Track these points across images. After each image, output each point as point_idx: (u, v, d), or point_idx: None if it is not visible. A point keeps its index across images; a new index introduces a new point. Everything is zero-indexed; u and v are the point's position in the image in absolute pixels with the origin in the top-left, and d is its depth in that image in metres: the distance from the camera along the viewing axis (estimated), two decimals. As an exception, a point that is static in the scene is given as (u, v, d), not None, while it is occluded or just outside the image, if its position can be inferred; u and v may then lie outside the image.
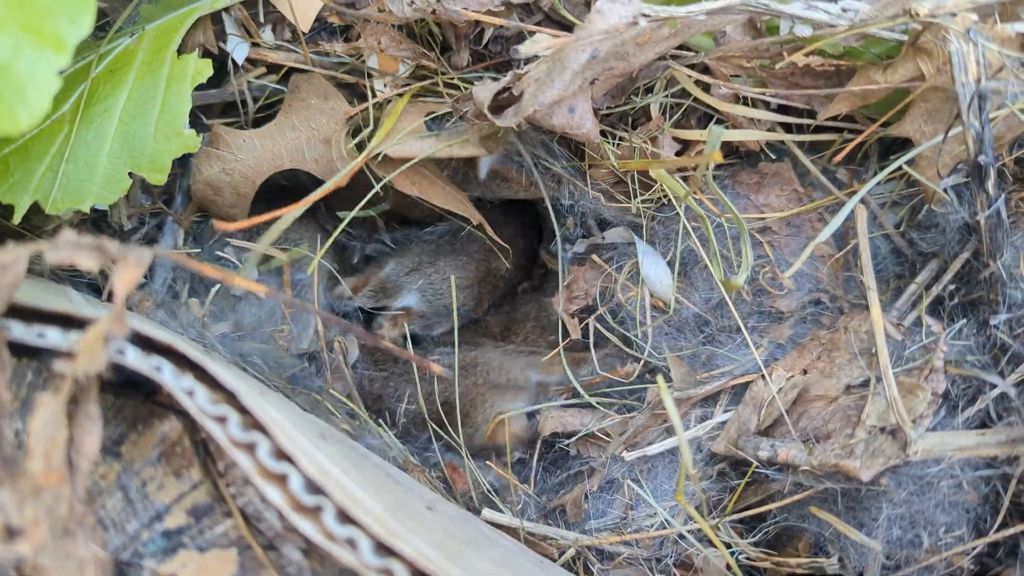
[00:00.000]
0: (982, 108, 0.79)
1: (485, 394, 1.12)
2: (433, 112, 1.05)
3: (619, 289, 1.05)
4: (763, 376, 0.95)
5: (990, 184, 0.82)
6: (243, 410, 0.65)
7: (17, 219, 0.91)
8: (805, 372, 0.95)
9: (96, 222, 1.09)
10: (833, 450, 0.85)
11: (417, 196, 1.06)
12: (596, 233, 1.11)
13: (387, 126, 1.02)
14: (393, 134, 1.02)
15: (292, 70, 1.09)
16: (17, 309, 0.67)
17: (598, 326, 1.06)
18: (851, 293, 1.00)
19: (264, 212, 1.11)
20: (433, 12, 0.97)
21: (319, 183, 1.03)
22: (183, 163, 1.11)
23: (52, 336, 0.66)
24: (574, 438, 1.04)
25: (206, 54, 1.05)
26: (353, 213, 1.07)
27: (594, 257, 1.09)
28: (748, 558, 0.97)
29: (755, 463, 0.91)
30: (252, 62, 1.11)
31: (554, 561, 0.98)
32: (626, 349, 1.06)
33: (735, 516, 0.96)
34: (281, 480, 0.63)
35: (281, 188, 1.13)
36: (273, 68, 1.11)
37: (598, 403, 1.06)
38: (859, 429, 0.86)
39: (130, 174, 0.95)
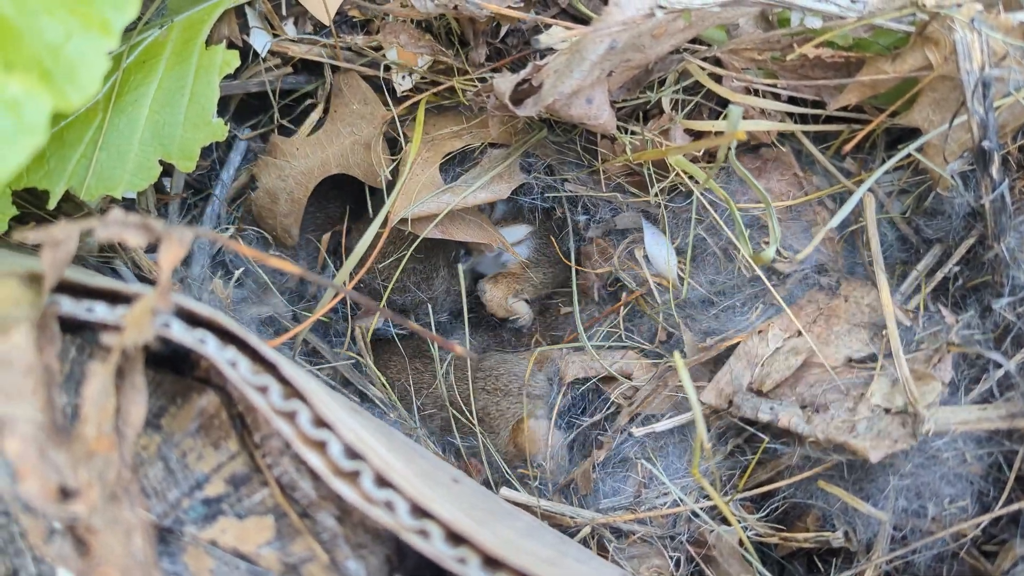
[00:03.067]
0: (986, 95, 0.82)
1: (500, 401, 1.14)
2: (448, 153, 1.10)
3: (621, 267, 1.09)
4: (758, 332, 0.97)
5: (994, 168, 0.85)
6: (283, 380, 0.68)
7: (52, 204, 0.94)
8: (800, 333, 0.97)
9: (124, 209, 1.12)
10: (834, 423, 0.88)
11: (441, 236, 1.11)
12: (608, 218, 1.14)
13: (401, 183, 1.09)
14: (409, 191, 1.08)
15: (316, 63, 1.13)
16: (66, 285, 0.70)
17: (624, 278, 1.09)
18: (854, 275, 1.02)
19: (315, 213, 1.19)
20: (455, 7, 1.00)
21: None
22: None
23: (100, 311, 0.69)
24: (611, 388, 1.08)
25: (231, 46, 1.08)
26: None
27: (598, 240, 1.12)
28: (757, 534, 1.00)
29: (756, 430, 0.94)
30: (274, 54, 1.14)
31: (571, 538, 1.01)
32: (651, 315, 1.09)
33: (746, 493, 0.99)
34: (321, 446, 0.66)
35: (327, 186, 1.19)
36: (293, 61, 1.15)
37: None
38: (861, 405, 0.89)
39: (160, 162, 0.98)
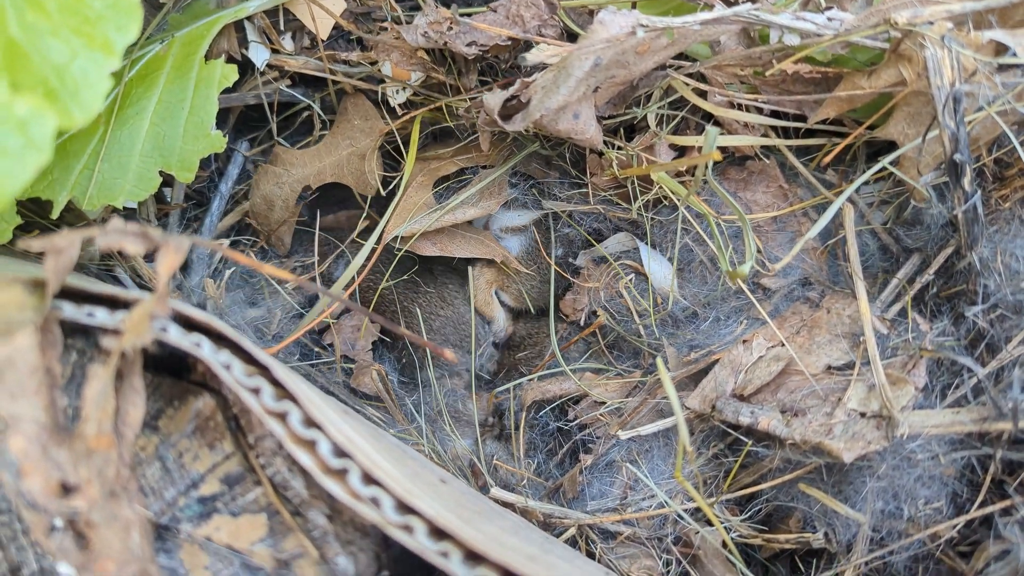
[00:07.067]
0: (957, 110, 0.85)
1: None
2: (444, 180, 1.15)
3: (623, 288, 1.11)
4: (743, 341, 1.00)
5: (966, 181, 0.88)
6: (275, 382, 0.71)
7: (56, 214, 0.97)
8: (783, 344, 1.00)
9: (125, 218, 1.15)
10: (812, 426, 0.91)
11: (439, 254, 1.15)
12: (595, 244, 1.17)
13: (395, 205, 1.13)
14: (404, 213, 1.13)
15: (314, 77, 1.16)
16: (68, 291, 0.73)
17: (606, 318, 1.13)
18: (837, 285, 1.05)
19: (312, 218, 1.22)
20: (445, 44, 1.03)
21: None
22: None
23: (100, 315, 0.71)
24: (579, 415, 1.11)
25: (230, 60, 1.12)
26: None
27: (584, 273, 1.15)
28: (741, 536, 1.02)
29: (738, 434, 0.97)
30: (272, 67, 1.18)
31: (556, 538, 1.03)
32: (631, 339, 1.11)
33: (729, 496, 1.02)
34: (310, 445, 0.69)
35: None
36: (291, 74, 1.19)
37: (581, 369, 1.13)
38: (838, 409, 0.92)
39: (160, 173, 1.01)
